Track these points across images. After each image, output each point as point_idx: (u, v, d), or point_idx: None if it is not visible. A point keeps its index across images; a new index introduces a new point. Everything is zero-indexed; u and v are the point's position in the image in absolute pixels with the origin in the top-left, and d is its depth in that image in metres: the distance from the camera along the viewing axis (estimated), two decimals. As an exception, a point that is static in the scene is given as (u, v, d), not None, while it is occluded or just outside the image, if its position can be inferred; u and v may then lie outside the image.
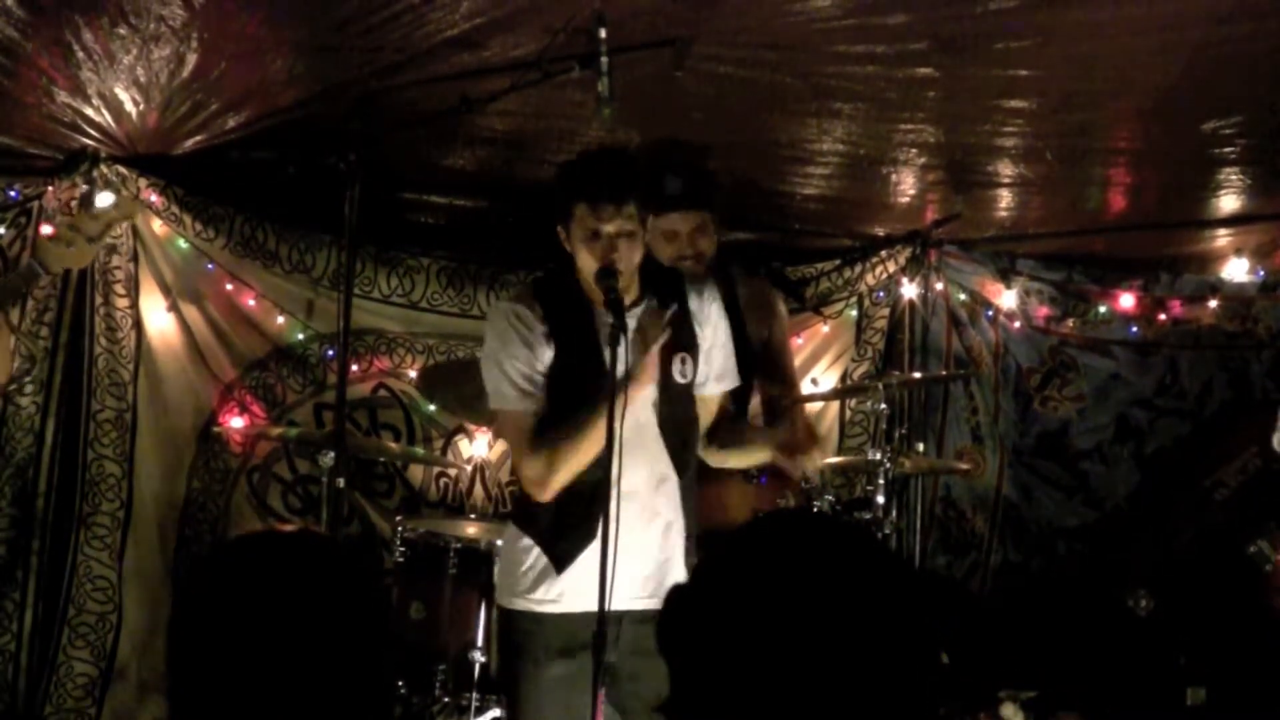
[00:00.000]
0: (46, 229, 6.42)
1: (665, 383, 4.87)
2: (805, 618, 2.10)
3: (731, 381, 5.15)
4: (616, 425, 4.49)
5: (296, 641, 2.40)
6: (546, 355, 4.79)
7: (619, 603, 4.58)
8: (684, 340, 4.92)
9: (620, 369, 4.54)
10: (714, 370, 5.06)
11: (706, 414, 5.14)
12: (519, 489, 5.08)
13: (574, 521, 4.80)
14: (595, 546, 4.65)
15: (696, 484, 5.15)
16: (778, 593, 2.13)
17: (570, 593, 4.80)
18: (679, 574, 4.89)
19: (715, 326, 5.05)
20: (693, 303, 4.99)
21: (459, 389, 6.83)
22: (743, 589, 2.16)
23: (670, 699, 2.20)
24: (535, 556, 4.85)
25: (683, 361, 4.91)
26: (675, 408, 4.91)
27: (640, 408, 4.76)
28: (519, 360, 4.78)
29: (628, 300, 4.75)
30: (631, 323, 4.70)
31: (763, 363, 6.26)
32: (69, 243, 4.87)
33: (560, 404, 4.79)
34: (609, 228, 4.67)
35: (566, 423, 4.73)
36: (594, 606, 4.49)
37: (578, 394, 4.75)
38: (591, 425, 4.62)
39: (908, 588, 2.19)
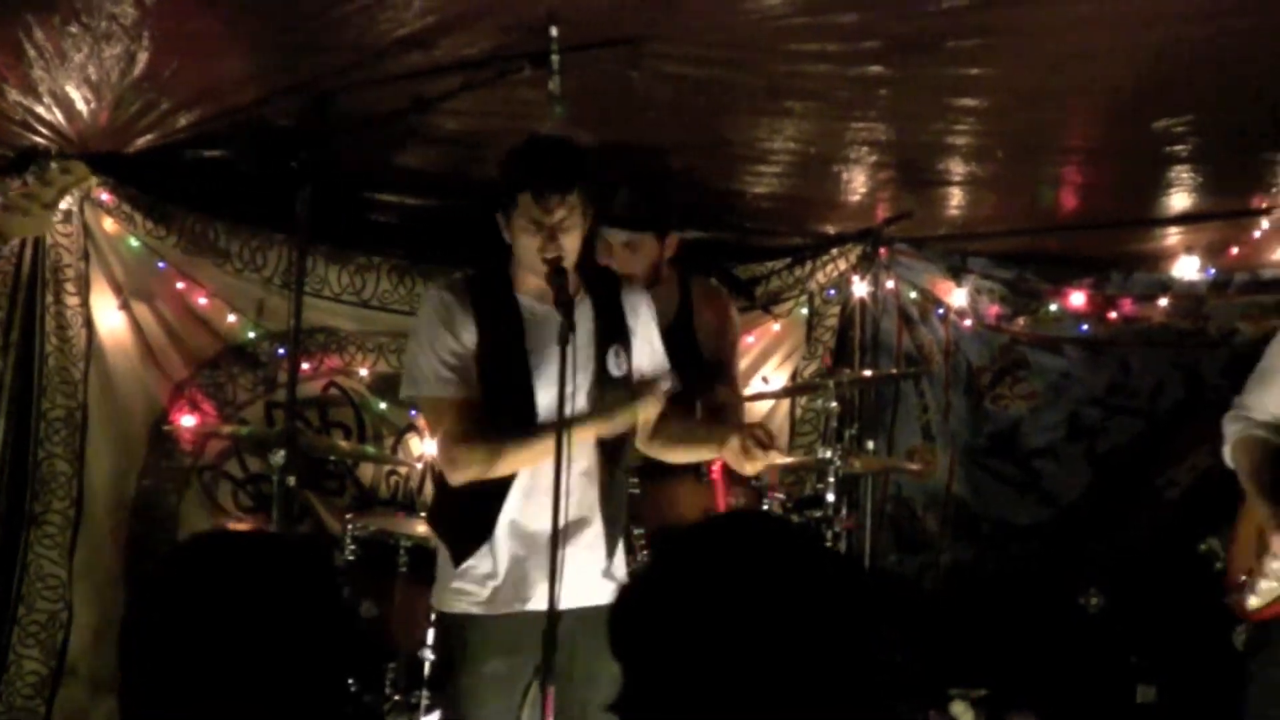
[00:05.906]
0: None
1: (599, 376, 4.83)
2: (756, 618, 2.11)
3: (667, 381, 5.03)
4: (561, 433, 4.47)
5: (252, 641, 2.38)
6: (470, 341, 4.74)
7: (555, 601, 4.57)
8: (616, 332, 4.87)
9: (569, 368, 4.50)
10: (646, 371, 4.97)
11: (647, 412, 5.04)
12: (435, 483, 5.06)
13: (472, 518, 4.79)
14: (488, 545, 4.73)
15: (650, 483, 5.15)
16: (729, 593, 2.14)
17: (506, 593, 4.78)
18: (602, 568, 4.90)
19: (646, 324, 4.99)
20: (625, 298, 4.97)
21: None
22: (695, 589, 2.17)
23: (622, 697, 2.20)
24: (475, 558, 4.84)
25: (616, 354, 4.85)
26: (610, 401, 4.88)
27: (578, 406, 4.72)
28: (441, 346, 4.72)
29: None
30: (577, 314, 4.66)
31: (711, 366, 6.25)
32: (25, 211, 4.86)
33: (482, 391, 4.77)
34: (552, 218, 4.64)
35: (519, 431, 4.69)
36: (530, 607, 4.58)
37: (498, 382, 4.73)
38: (543, 443, 4.56)
39: (858, 589, 2.21)
